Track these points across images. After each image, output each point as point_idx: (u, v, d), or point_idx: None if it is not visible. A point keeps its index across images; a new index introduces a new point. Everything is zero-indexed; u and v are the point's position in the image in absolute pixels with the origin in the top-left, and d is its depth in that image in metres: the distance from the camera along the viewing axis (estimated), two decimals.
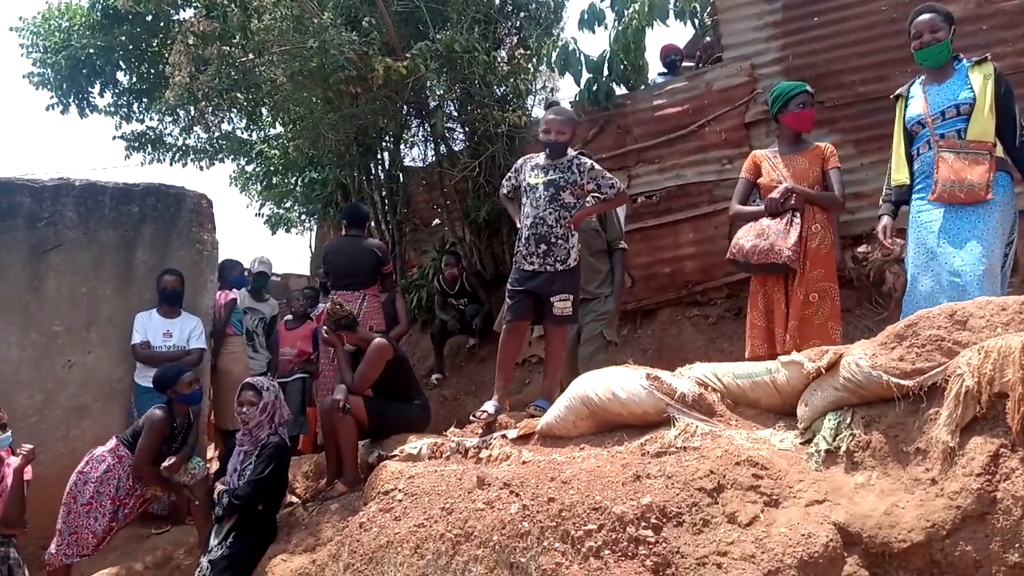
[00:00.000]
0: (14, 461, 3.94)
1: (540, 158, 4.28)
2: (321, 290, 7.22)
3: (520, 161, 4.42)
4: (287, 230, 13.84)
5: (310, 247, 13.74)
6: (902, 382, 2.51)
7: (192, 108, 6.26)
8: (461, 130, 7.14)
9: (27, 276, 5.17)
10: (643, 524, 2.60)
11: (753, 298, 3.96)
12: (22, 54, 10.27)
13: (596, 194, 4.27)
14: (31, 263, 5.19)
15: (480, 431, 3.98)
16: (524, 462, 3.35)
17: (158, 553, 4.80)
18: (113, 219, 5.42)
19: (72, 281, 5.28)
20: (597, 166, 4.27)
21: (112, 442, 4.50)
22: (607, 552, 2.62)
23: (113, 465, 4.37)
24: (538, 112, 7.40)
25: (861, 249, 5.59)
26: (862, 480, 2.53)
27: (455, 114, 7.01)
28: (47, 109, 10.77)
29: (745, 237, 3.88)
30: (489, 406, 3.95)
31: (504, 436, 3.74)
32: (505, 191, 4.49)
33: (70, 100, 10.67)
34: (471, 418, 4.04)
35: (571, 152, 4.28)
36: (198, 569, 3.98)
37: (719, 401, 3.10)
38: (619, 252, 4.63)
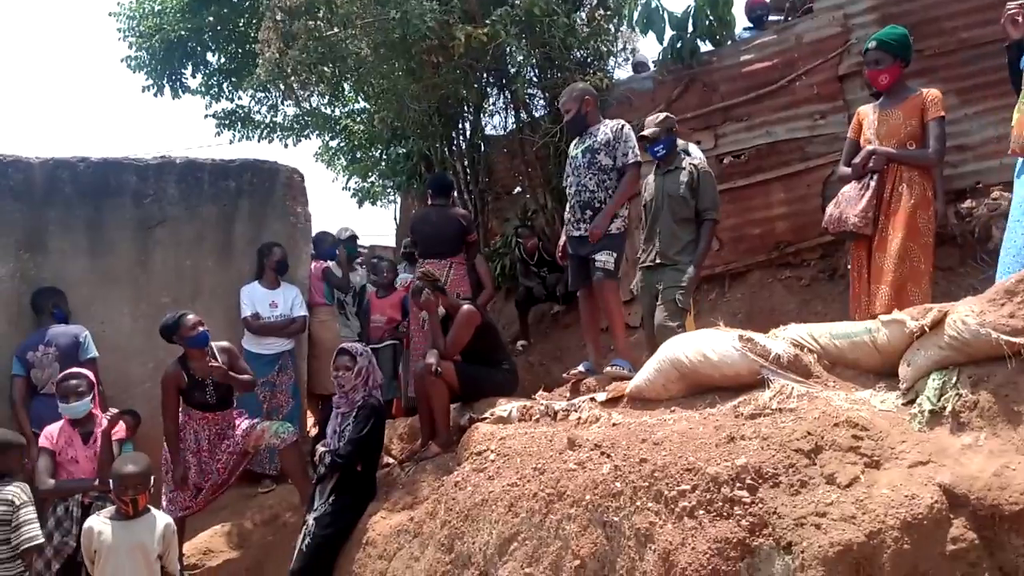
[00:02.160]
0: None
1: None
2: (407, 260, 7.37)
3: (570, 146, 4.61)
4: (373, 203, 14.15)
5: (395, 219, 14.00)
6: (1013, 339, 2.40)
7: (281, 83, 6.42)
8: (542, 96, 7.10)
9: (135, 251, 5.49)
10: (738, 485, 2.59)
11: (851, 263, 3.93)
12: (119, 38, 10.76)
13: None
14: (138, 238, 5.50)
15: (568, 394, 4.03)
16: (614, 424, 3.37)
17: (265, 511, 5.08)
18: (212, 194, 5.67)
19: (176, 255, 5.57)
20: (627, 131, 4.39)
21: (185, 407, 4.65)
22: (701, 512, 2.62)
23: (186, 421, 4.57)
24: (620, 74, 7.31)
25: (965, 204, 5.30)
26: (969, 441, 2.44)
27: (535, 79, 6.97)
28: (143, 91, 11.25)
29: (830, 204, 3.95)
30: (583, 365, 4.05)
31: (593, 399, 3.77)
32: (566, 175, 4.58)
33: (164, 81, 11.12)
34: (564, 377, 4.12)
35: (609, 121, 4.45)
36: (304, 526, 4.18)
37: (816, 362, 3.03)
38: (709, 223, 4.51)
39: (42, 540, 3.46)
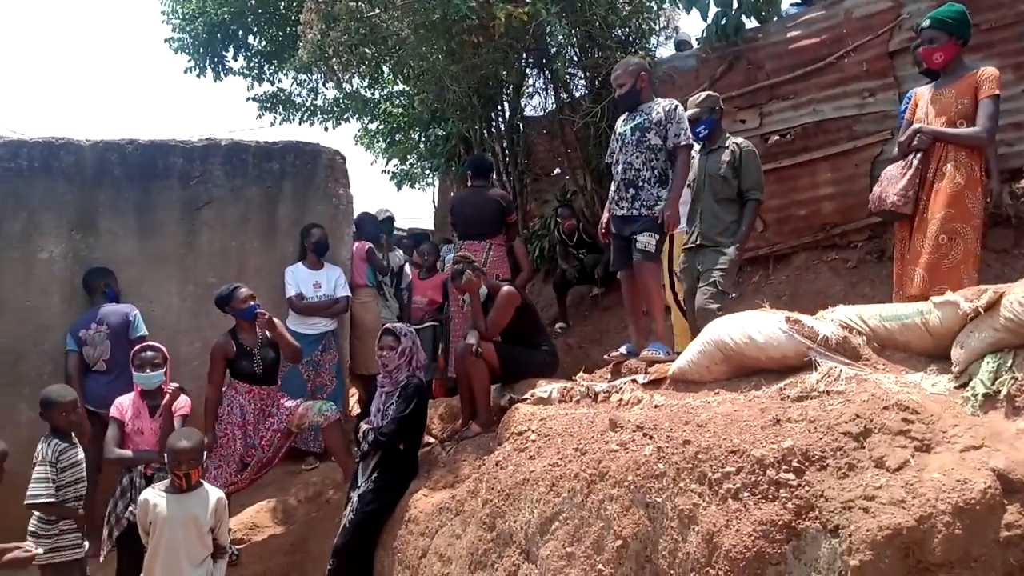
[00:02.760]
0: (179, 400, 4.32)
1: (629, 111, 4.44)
2: (443, 243, 7.41)
3: (618, 122, 4.55)
4: (411, 185, 14.22)
5: (433, 202, 14.05)
6: None
7: (323, 65, 6.46)
8: (582, 75, 7.04)
9: (183, 232, 5.60)
10: (784, 467, 2.56)
11: (895, 243, 3.85)
12: (162, 20, 10.91)
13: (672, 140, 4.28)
14: (185, 219, 5.61)
15: (609, 376, 4.03)
16: (656, 406, 3.36)
17: (309, 488, 5.18)
18: (256, 176, 5.75)
19: (222, 236, 5.67)
20: (680, 112, 4.32)
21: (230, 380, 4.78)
22: (746, 494, 2.60)
23: (232, 396, 4.67)
24: (662, 52, 7.21)
25: (1021, 184, 5.14)
26: None
27: (576, 59, 6.91)
28: (185, 72, 11.39)
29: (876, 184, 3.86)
30: (624, 348, 4.03)
31: (634, 381, 3.76)
32: (609, 154, 4.53)
33: (206, 63, 11.25)
34: (605, 359, 4.11)
35: (661, 101, 4.38)
36: (347, 502, 4.25)
37: (865, 344, 2.98)
38: (752, 203, 4.42)
39: (42, 499, 3.67)
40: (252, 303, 4.65)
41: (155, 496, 3.41)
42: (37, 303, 5.23)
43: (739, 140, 4.46)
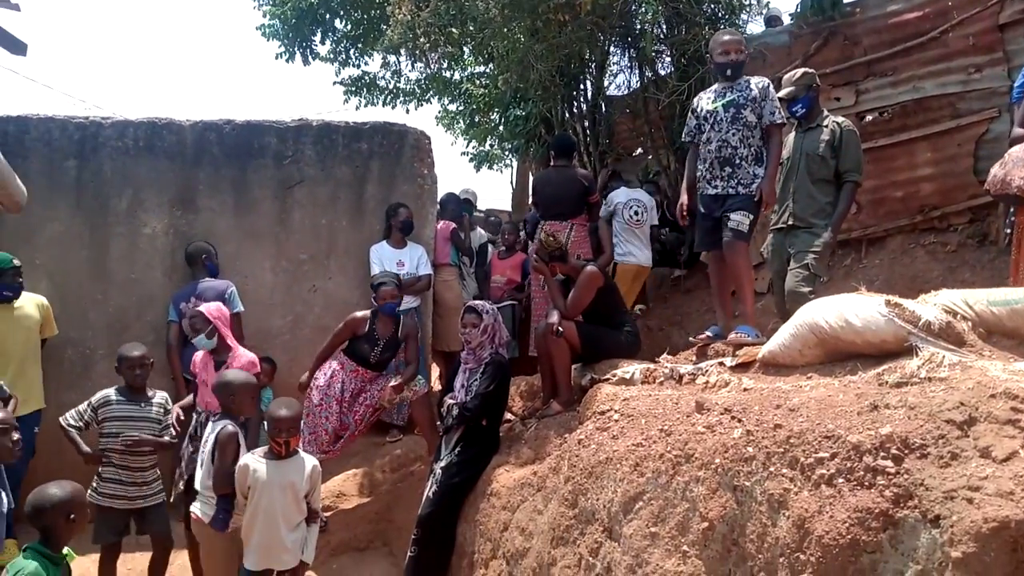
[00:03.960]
0: (243, 358, 4.51)
1: (716, 87, 4.34)
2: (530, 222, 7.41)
3: (695, 100, 4.44)
4: (490, 167, 14.31)
5: (511, 183, 14.11)
6: None
7: (412, 45, 6.54)
8: (668, 53, 6.91)
9: (276, 210, 5.80)
10: (882, 454, 2.48)
11: (1016, 228, 3.63)
12: (254, 7, 11.26)
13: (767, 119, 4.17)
14: (279, 198, 5.80)
15: (694, 358, 3.98)
16: (745, 389, 3.30)
17: (394, 460, 5.32)
18: (346, 156, 5.89)
19: (313, 214, 5.84)
20: (772, 89, 4.21)
21: (339, 354, 4.98)
22: (841, 480, 2.54)
23: (337, 370, 4.85)
24: (753, 28, 7.01)
25: None
26: None
27: (663, 36, 6.78)
28: (276, 58, 11.75)
29: (996, 165, 3.65)
30: (711, 330, 3.97)
31: (721, 364, 3.70)
32: (688, 132, 4.42)
33: (295, 49, 11.58)
34: (690, 341, 4.06)
35: (753, 78, 4.27)
36: (431, 475, 4.36)
37: (970, 330, 2.85)
38: (850, 184, 4.25)
39: (61, 421, 4.13)
40: (391, 302, 4.86)
41: (255, 461, 3.57)
42: (141, 276, 5.52)
43: (839, 119, 4.30)
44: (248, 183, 5.73)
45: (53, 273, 5.30)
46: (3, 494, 3.11)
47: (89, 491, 3.99)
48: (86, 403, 4.15)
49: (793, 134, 4.38)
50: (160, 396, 4.25)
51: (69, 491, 2.80)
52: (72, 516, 2.78)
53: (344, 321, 4.93)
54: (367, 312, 4.93)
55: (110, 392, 4.14)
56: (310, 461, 3.67)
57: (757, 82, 4.20)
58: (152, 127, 5.60)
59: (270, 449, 3.59)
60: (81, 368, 5.38)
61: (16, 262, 4.62)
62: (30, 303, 4.76)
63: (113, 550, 4.18)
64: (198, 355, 4.62)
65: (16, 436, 3.10)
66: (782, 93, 4.26)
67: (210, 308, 4.52)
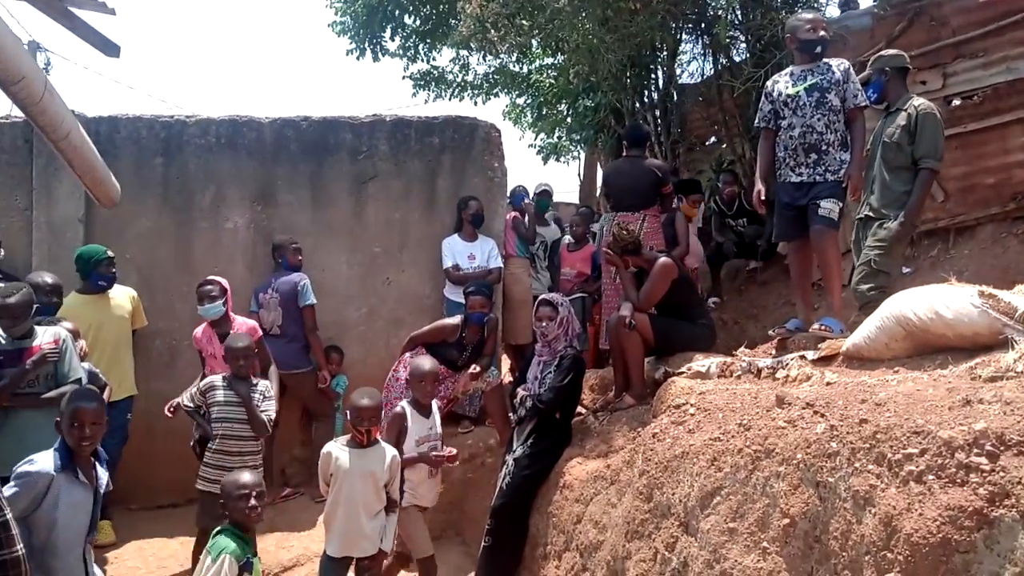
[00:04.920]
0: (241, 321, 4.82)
1: (792, 70, 4.18)
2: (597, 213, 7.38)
3: (769, 84, 4.28)
4: (557, 159, 14.28)
5: (579, 175, 14.05)
6: None
7: (481, 38, 6.56)
8: (743, 39, 6.75)
9: (351, 204, 5.92)
10: (975, 451, 2.38)
11: None
12: (326, 5, 11.50)
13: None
14: (353, 192, 5.92)
15: (773, 352, 3.89)
16: (828, 383, 3.21)
17: (465, 451, 5.37)
18: (418, 150, 5.96)
19: (386, 208, 5.94)
20: (853, 71, 4.04)
21: (421, 350, 5.06)
22: (931, 477, 2.44)
23: None
24: (831, 12, 6.79)
25: None
26: None
27: (737, 22, 6.63)
28: (346, 55, 11.97)
29: None
30: (791, 323, 3.86)
31: (803, 357, 3.61)
32: (762, 118, 4.27)
33: (365, 45, 11.78)
34: (769, 334, 3.96)
35: (834, 60, 4.13)
36: (504, 466, 4.39)
37: None
38: (925, 172, 3.99)
39: (177, 400, 4.38)
40: (480, 311, 5.02)
41: (338, 450, 3.66)
42: (224, 269, 5.70)
43: (918, 102, 4.08)
44: (324, 178, 5.87)
45: (142, 266, 5.55)
46: (103, 476, 3.28)
47: (197, 477, 4.21)
48: (196, 388, 4.34)
49: (880, 120, 4.21)
50: (263, 384, 4.37)
51: (253, 479, 3.14)
52: (252, 500, 3.07)
53: (435, 326, 5.10)
54: (458, 320, 5.05)
55: (216, 379, 4.29)
56: (390, 451, 3.75)
57: (838, 64, 4.05)
58: (233, 124, 5.78)
59: (352, 437, 3.68)
60: (168, 358, 5.61)
61: (110, 253, 4.86)
62: (122, 294, 5.00)
63: (209, 534, 4.34)
64: (198, 330, 4.80)
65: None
66: (865, 74, 4.10)
67: (217, 278, 4.79)
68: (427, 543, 4.05)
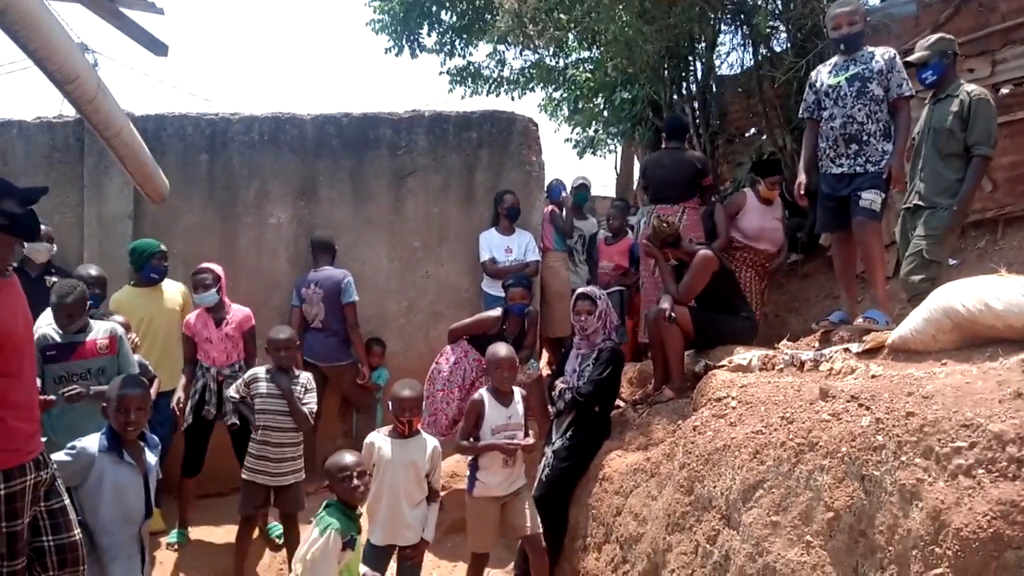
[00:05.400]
0: (240, 313, 4.90)
1: (835, 60, 4.14)
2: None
3: (813, 74, 4.25)
4: (593, 153, 14.22)
5: (615, 168, 13.97)
6: None
7: (519, 32, 6.57)
8: (784, 28, 6.65)
9: (391, 199, 5.98)
10: None
11: None
12: (365, 3, 11.61)
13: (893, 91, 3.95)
14: (393, 187, 5.98)
15: (816, 344, 3.85)
16: (873, 376, 3.17)
17: None
18: (456, 145, 6.00)
19: (425, 202, 6.00)
20: (899, 59, 3.96)
21: (464, 342, 5.11)
22: (981, 471, 2.41)
23: (460, 358, 4.96)
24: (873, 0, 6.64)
25: None
26: None
27: (778, 11, 6.53)
28: (385, 52, 12.07)
29: None
30: (834, 316, 3.82)
31: (847, 350, 3.56)
32: (806, 108, 4.22)
33: (403, 42, 11.87)
34: (813, 327, 3.92)
35: (878, 49, 4.09)
36: (543, 458, 4.41)
37: None
38: (978, 159, 3.90)
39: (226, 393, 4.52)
40: (520, 303, 5.02)
41: (380, 440, 3.72)
42: (267, 263, 5.83)
43: (970, 87, 3.99)
44: (364, 173, 5.93)
45: (189, 261, 5.65)
46: (152, 460, 3.38)
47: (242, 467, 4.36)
48: (241, 380, 4.43)
49: (925, 108, 4.13)
50: (304, 376, 4.43)
51: (354, 459, 3.27)
52: (355, 480, 3.20)
53: (477, 318, 5.11)
54: (499, 312, 5.06)
55: (260, 370, 4.38)
56: (431, 442, 3.79)
57: (882, 53, 3.98)
58: (276, 121, 5.88)
59: (394, 428, 3.73)
60: None
61: (162, 247, 4.99)
62: (173, 288, 5.13)
63: (251, 521, 4.45)
64: (192, 316, 4.88)
65: None
66: (912, 57, 4.00)
67: (210, 266, 4.87)
68: (483, 538, 4.04)
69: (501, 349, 4.03)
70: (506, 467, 3.97)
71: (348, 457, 3.27)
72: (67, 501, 2.92)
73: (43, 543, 2.79)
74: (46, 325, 3.96)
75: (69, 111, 6.03)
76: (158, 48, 3.75)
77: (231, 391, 4.46)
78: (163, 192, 4.10)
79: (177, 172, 5.58)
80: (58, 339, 3.96)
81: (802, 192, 4.31)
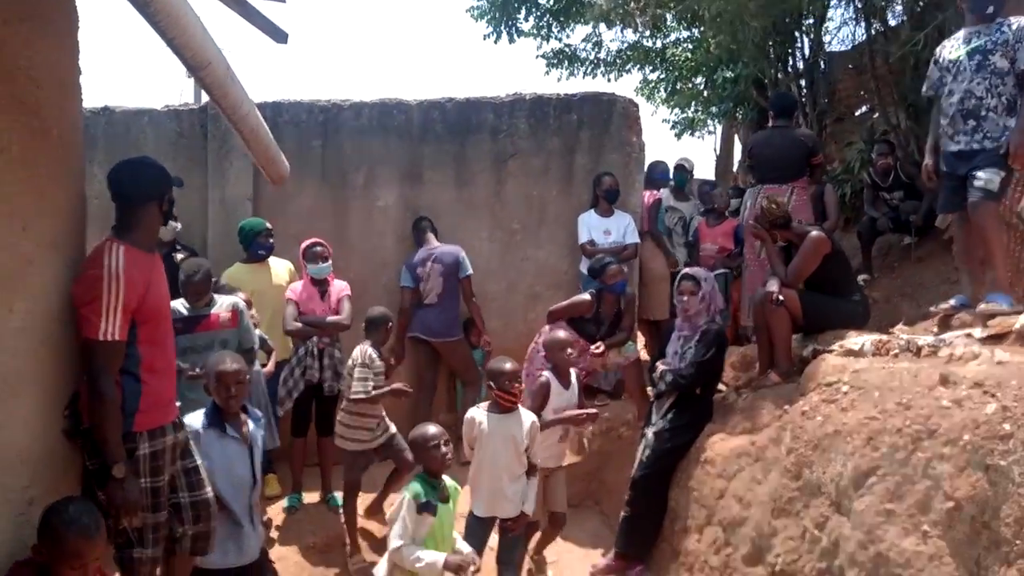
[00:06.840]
0: (339, 285, 5.09)
1: (960, 33, 3.94)
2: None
3: (938, 49, 4.07)
4: (692, 133, 13.95)
5: (714, 150, 13.68)
6: None
7: (622, 12, 6.50)
8: (899, 1, 6.34)
9: (492, 182, 6.08)
10: None
11: None
12: None
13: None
14: (494, 170, 6.07)
15: (935, 330, 3.70)
16: (999, 362, 3.03)
17: (602, 423, 5.43)
18: (556, 128, 6.03)
19: (525, 185, 6.06)
20: None
21: (563, 323, 5.14)
22: None
23: None
24: None
25: None
26: None
27: None
28: (483, 39, 12.21)
29: None
30: (955, 299, 3.65)
31: (969, 335, 3.41)
32: (930, 85, 4.03)
33: (501, 28, 11.97)
34: (931, 311, 3.77)
35: (1011, 19, 3.81)
36: (642, 439, 4.41)
37: None
38: None
39: (361, 395, 4.53)
40: (620, 279, 5.10)
41: (480, 414, 3.82)
42: (376, 244, 6.03)
43: None
44: (467, 157, 6.05)
45: (303, 241, 5.92)
46: (257, 433, 3.60)
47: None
48: (362, 369, 4.64)
49: None
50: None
51: (437, 430, 3.42)
52: (434, 450, 3.34)
53: (571, 302, 5.18)
54: (592, 295, 5.12)
55: (366, 347, 4.61)
56: (528, 417, 3.86)
57: (1016, 22, 3.75)
58: (384, 107, 6.05)
59: (494, 403, 3.82)
60: None
61: (268, 225, 5.25)
62: (280, 265, 5.39)
63: (355, 487, 4.68)
64: (297, 285, 5.08)
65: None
66: None
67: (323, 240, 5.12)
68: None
69: (559, 332, 4.39)
70: (561, 442, 4.34)
71: (431, 428, 3.42)
72: (200, 461, 3.15)
73: (180, 499, 3.03)
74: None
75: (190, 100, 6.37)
76: (278, 35, 3.90)
77: (366, 387, 4.57)
78: (284, 174, 4.29)
79: (293, 156, 5.66)
80: (185, 312, 4.26)
81: (929, 175, 4.14)
